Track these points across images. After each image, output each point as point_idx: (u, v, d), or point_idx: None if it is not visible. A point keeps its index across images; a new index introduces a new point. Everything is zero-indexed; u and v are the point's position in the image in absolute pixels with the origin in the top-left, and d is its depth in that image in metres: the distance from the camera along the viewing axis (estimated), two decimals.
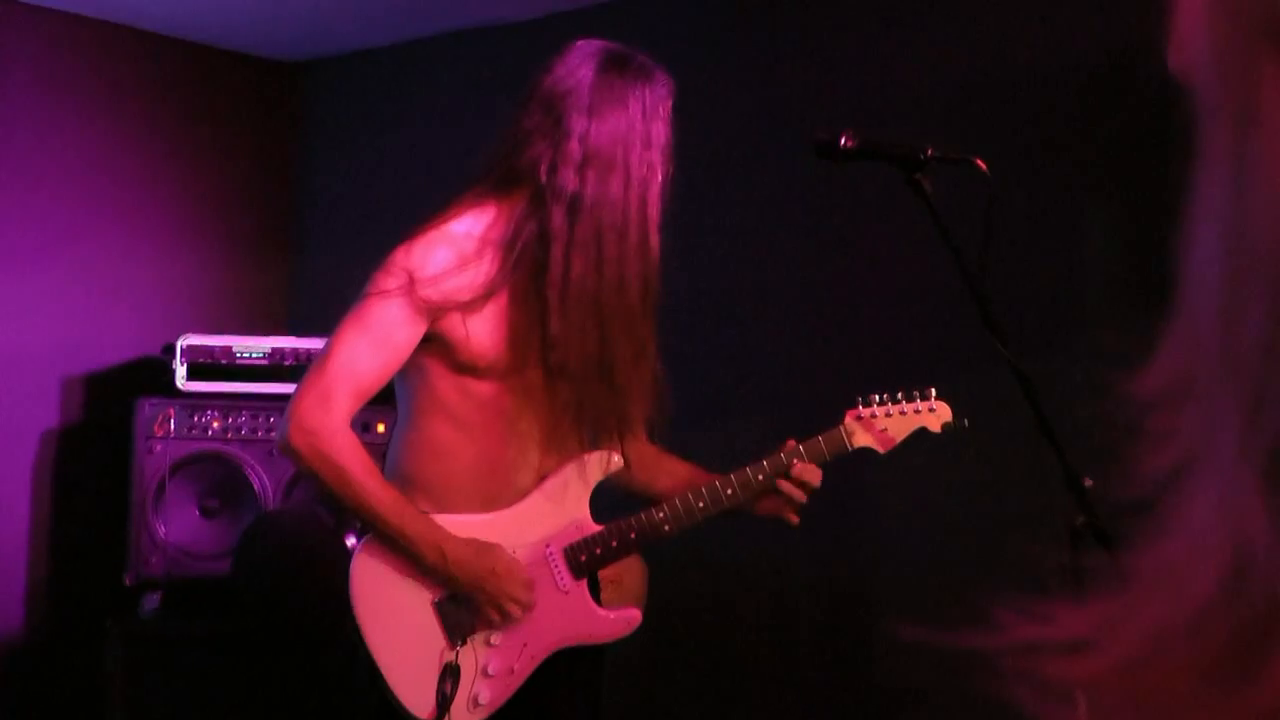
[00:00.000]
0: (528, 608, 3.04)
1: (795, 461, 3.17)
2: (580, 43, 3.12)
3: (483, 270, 2.97)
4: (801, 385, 4.71)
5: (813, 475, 3.17)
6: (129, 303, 5.71)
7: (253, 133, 6.22)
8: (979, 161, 2.77)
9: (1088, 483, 2.66)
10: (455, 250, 2.98)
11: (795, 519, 3.22)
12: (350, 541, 3.50)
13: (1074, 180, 4.26)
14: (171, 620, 4.94)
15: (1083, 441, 2.38)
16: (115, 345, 5.62)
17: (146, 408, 5.01)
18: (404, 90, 6.03)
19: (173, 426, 4.99)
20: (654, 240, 3.05)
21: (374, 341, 2.96)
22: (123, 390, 5.31)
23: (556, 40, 5.46)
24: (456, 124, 5.79)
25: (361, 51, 6.14)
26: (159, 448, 4.97)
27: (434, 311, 2.95)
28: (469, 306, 2.95)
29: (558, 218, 2.95)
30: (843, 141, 2.92)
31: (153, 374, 5.28)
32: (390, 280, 2.95)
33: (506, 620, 3.02)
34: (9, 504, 5.38)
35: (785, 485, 3.15)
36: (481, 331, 2.98)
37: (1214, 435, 0.55)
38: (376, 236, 6.14)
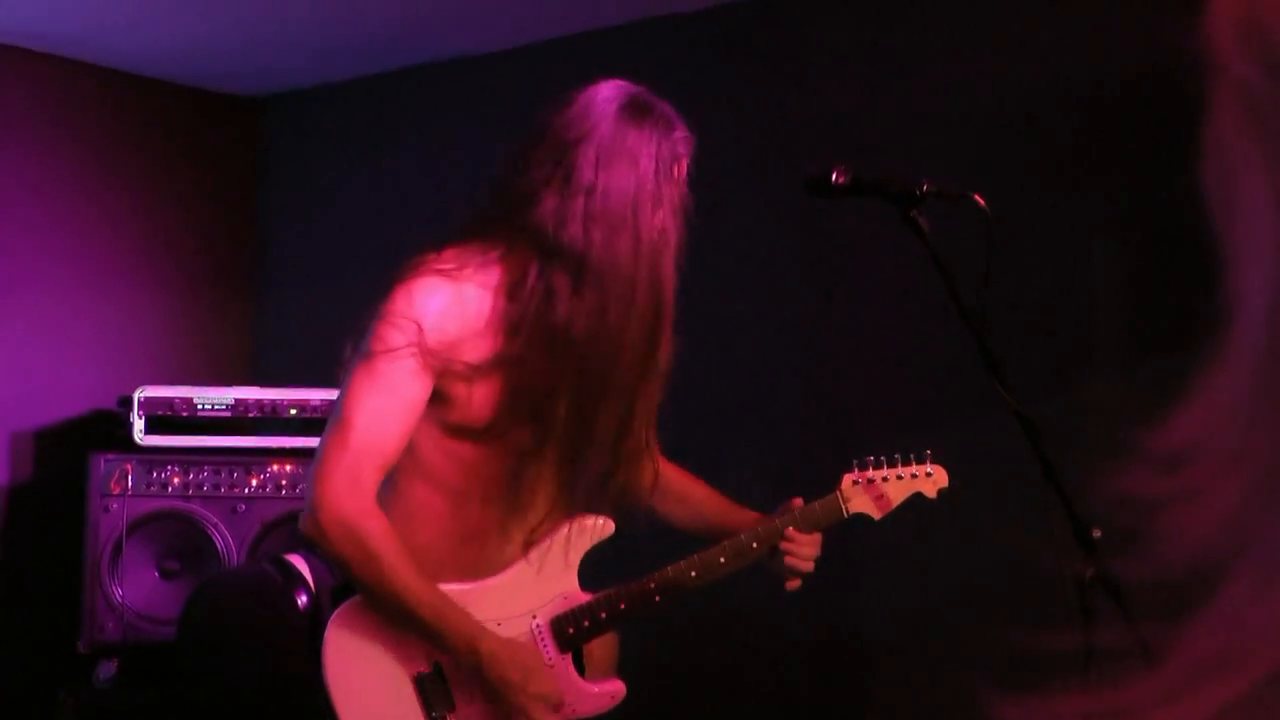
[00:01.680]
0: (557, 708, 3.01)
1: (791, 532, 3.17)
2: (602, 84, 3.03)
3: (492, 333, 2.91)
4: (797, 429, 4.71)
5: (812, 546, 3.19)
6: (82, 352, 5.70)
7: (211, 171, 6.22)
8: (977, 197, 2.78)
9: (1096, 533, 2.66)
10: (460, 303, 2.90)
11: (792, 585, 3.22)
12: (302, 600, 3.47)
13: (1076, 217, 4.27)
14: (129, 690, 4.91)
15: (1091, 489, 2.38)
16: (68, 397, 5.60)
17: (102, 463, 4.99)
18: (368, 126, 6.04)
19: (130, 483, 4.97)
20: (666, 312, 2.99)
21: (394, 404, 2.88)
22: (76, 445, 5.29)
23: (524, 74, 5.51)
24: (422, 159, 5.80)
25: (323, 86, 6.16)
26: (115, 506, 4.95)
27: (442, 370, 2.91)
28: (477, 370, 2.90)
29: (563, 278, 2.89)
30: (835, 177, 2.93)
31: (108, 428, 5.26)
32: (397, 335, 2.87)
33: None
34: None
35: (801, 565, 3.18)
36: (482, 394, 2.93)
37: (1257, 493, 0.54)
38: (343, 278, 6.17)
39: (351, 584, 2.97)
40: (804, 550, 3.18)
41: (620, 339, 2.93)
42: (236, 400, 5.14)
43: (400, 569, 2.88)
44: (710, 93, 5.03)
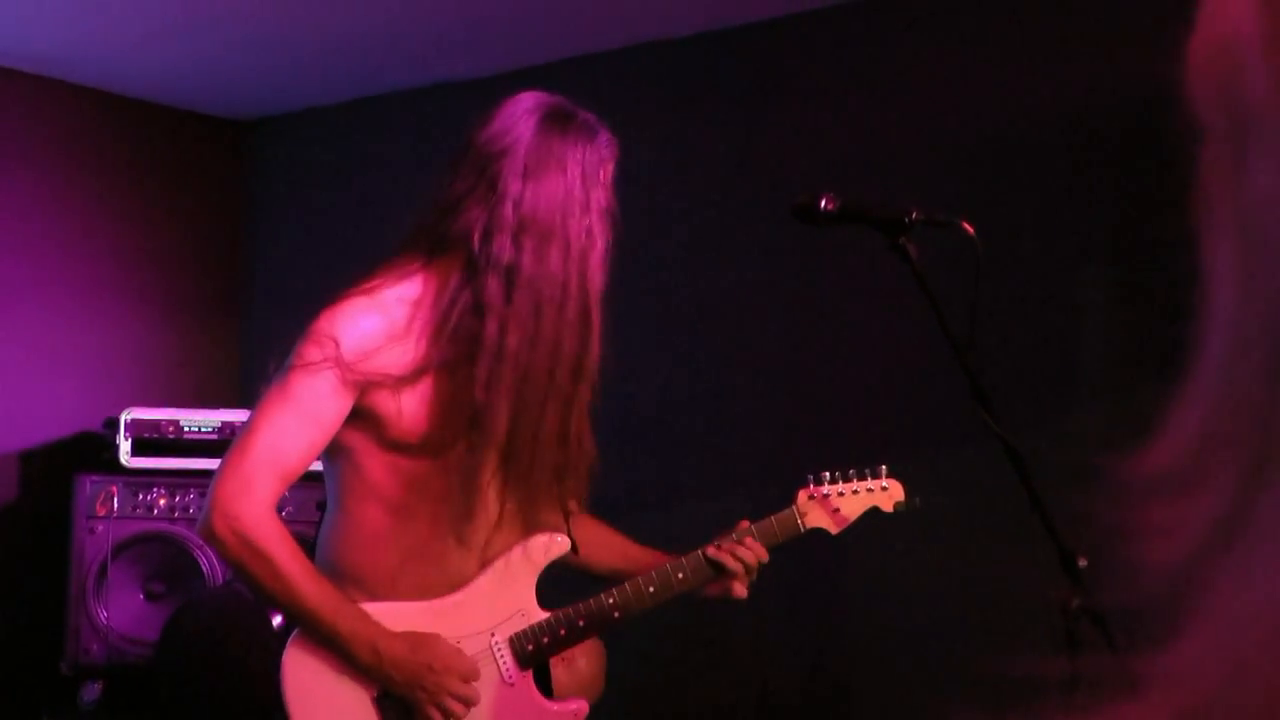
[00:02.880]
0: (471, 703, 3.00)
1: (746, 540, 3.18)
2: (520, 96, 3.08)
3: (414, 342, 2.92)
4: (780, 457, 4.72)
5: (758, 554, 3.19)
6: (69, 373, 5.69)
7: (199, 193, 6.22)
8: (965, 225, 2.79)
9: (1082, 562, 2.67)
10: (385, 318, 2.93)
11: (744, 592, 3.22)
12: (276, 620, 3.46)
13: (1064, 246, 4.29)
14: (113, 713, 4.90)
15: (1078, 519, 2.39)
16: (54, 419, 5.59)
17: (87, 485, 4.98)
18: (355, 149, 6.05)
19: (115, 505, 4.97)
20: (595, 314, 3.00)
21: (299, 417, 2.89)
22: (62, 466, 5.28)
23: (509, 99, 5.51)
24: (409, 183, 5.77)
25: (311, 110, 6.16)
26: (100, 528, 4.94)
27: (362, 384, 2.90)
28: (401, 381, 2.91)
29: (493, 288, 2.90)
30: (823, 204, 2.93)
31: (94, 449, 5.25)
32: (315, 350, 2.89)
33: (450, 719, 2.98)
34: None
35: (729, 561, 3.16)
36: (413, 406, 2.93)
37: (1240, 516, 0.54)
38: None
39: (250, 589, 2.98)
40: (750, 560, 3.17)
41: (555, 345, 2.94)
42: (223, 423, 5.15)
43: (294, 571, 2.87)
44: (699, 118, 5.04)
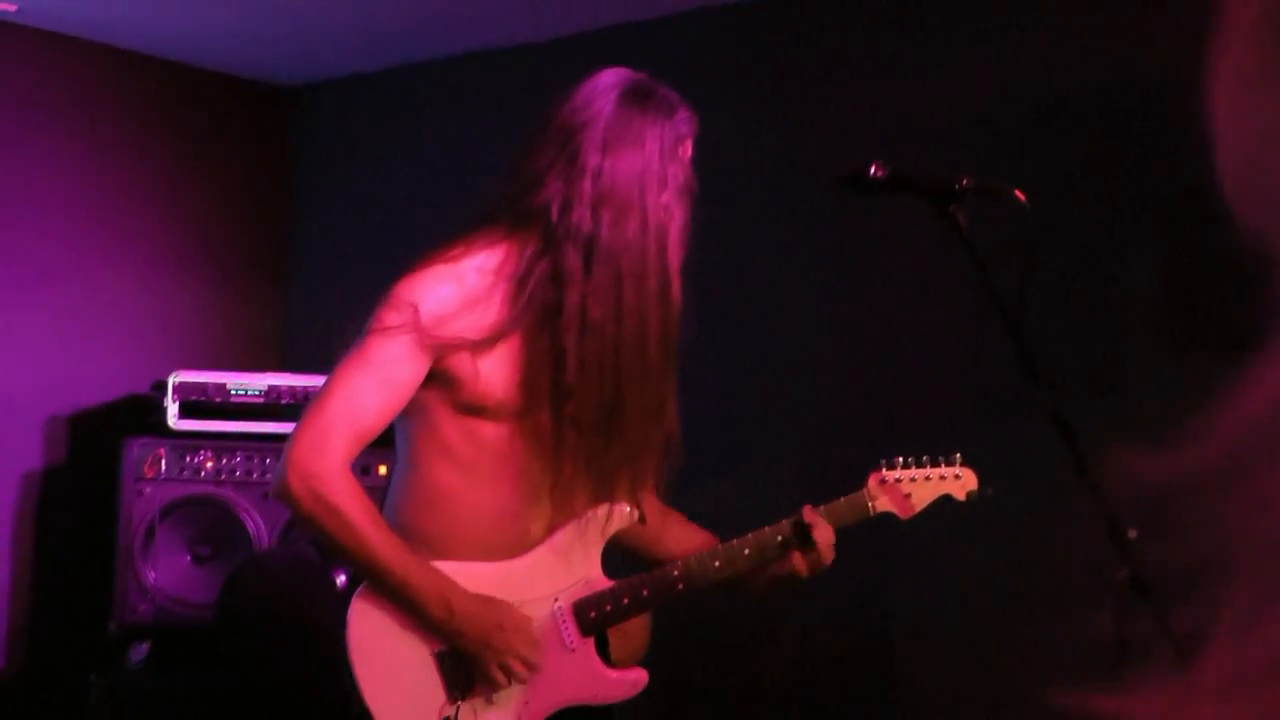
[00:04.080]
0: (534, 668, 3.03)
1: (815, 520, 3.18)
2: (603, 72, 3.10)
3: (493, 308, 2.95)
4: (830, 429, 4.71)
5: (826, 534, 3.19)
6: (117, 338, 5.73)
7: (246, 159, 6.24)
8: (1018, 193, 2.77)
9: (1132, 534, 2.66)
10: (462, 286, 2.96)
11: (805, 574, 3.22)
12: (340, 580, 3.49)
13: (1114, 217, 4.26)
14: (160, 673, 4.93)
15: (1127, 490, 2.39)
16: (103, 382, 5.62)
17: (135, 448, 5.02)
18: (402, 115, 6.05)
19: (163, 468, 5.00)
20: (675, 289, 3.03)
21: (376, 380, 2.93)
22: (110, 430, 5.31)
23: (558, 64, 5.49)
24: (456, 149, 5.82)
25: (357, 75, 6.17)
26: (148, 490, 4.98)
27: (439, 349, 2.94)
28: (479, 346, 2.94)
29: (571, 259, 2.93)
30: (872, 172, 2.92)
31: (142, 413, 5.29)
32: (394, 315, 2.92)
33: (512, 680, 3.01)
34: None
35: (819, 533, 3.16)
36: (490, 371, 2.97)
37: None
38: (376, 266, 6.15)
39: (323, 547, 3.01)
40: (826, 538, 3.18)
41: (640, 318, 2.96)
42: (269, 386, 5.17)
43: (369, 528, 2.90)
44: (743, 88, 5.03)
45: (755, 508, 3.27)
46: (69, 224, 5.66)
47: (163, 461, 5.00)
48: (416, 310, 2.91)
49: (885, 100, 4.73)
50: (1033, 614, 4.09)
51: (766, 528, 3.19)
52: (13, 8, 5.34)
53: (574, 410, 2.98)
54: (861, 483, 3.25)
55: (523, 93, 5.63)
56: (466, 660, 3.01)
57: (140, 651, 4.94)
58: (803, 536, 3.18)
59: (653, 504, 3.26)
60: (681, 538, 3.30)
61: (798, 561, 3.18)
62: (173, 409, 5.05)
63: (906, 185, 2.92)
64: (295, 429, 2.95)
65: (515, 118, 5.62)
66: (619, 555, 3.21)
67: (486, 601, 3.00)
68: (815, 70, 4.94)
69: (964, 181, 2.82)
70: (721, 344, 4.77)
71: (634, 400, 3.01)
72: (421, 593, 2.95)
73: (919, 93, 4.66)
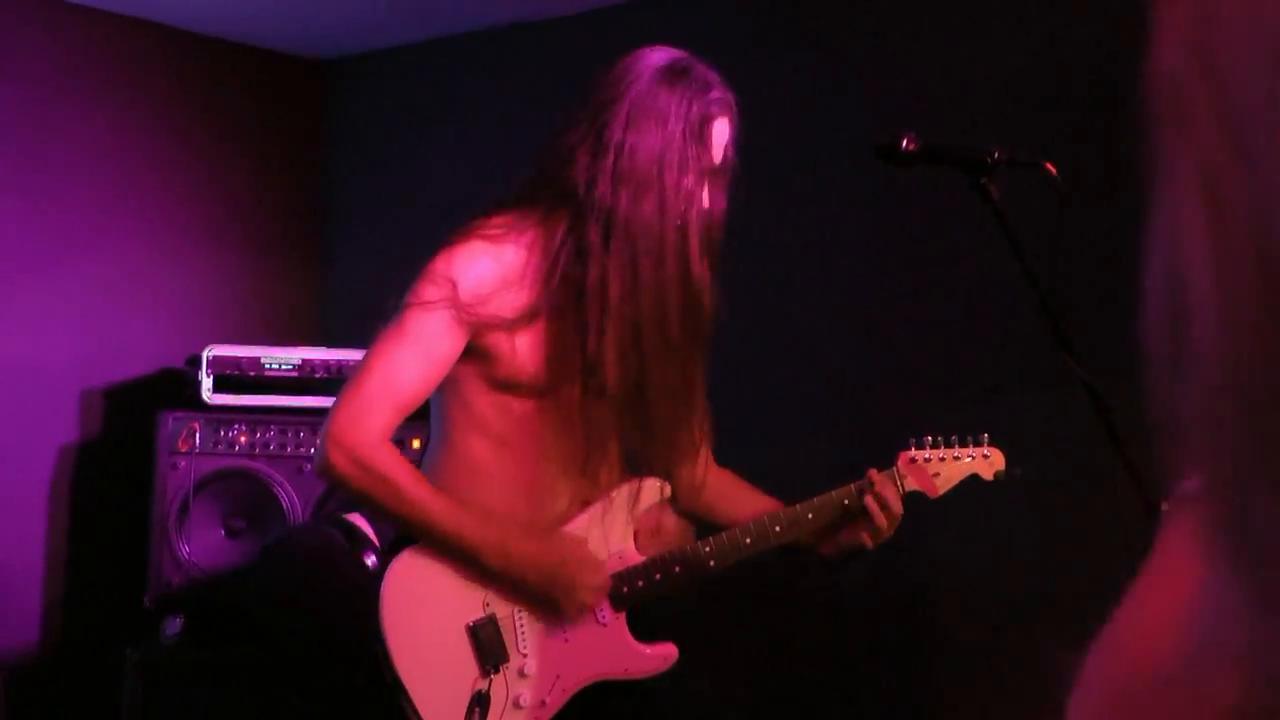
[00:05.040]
0: (604, 591, 3.03)
1: (875, 480, 3.18)
2: (645, 49, 3.08)
3: (528, 286, 2.97)
4: (862, 398, 4.71)
5: (893, 496, 3.19)
6: (151, 312, 5.75)
7: (279, 133, 6.25)
8: (1049, 166, 2.77)
9: (1165, 506, 2.65)
10: (500, 263, 2.98)
11: (871, 544, 3.21)
12: (370, 561, 3.51)
13: (1146, 187, 4.23)
14: (194, 646, 4.96)
15: (1160, 462, 2.37)
16: (137, 356, 5.65)
17: (170, 422, 5.04)
18: (435, 88, 6.05)
19: (197, 441, 5.02)
20: (697, 271, 3.02)
21: (415, 354, 2.95)
22: (145, 403, 5.34)
23: (592, 36, 5.50)
24: (490, 123, 5.81)
25: (392, 49, 6.17)
26: (182, 464, 5.00)
27: (476, 325, 2.95)
28: (513, 324, 2.95)
29: (593, 234, 2.95)
30: (904, 144, 2.92)
31: (176, 386, 5.31)
32: (433, 289, 2.95)
33: (583, 612, 3.02)
34: (25, 521, 5.41)
35: (871, 504, 3.17)
36: (525, 348, 2.98)
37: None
38: (409, 240, 6.17)
39: (373, 515, 3.03)
40: (890, 497, 3.18)
41: (659, 298, 2.96)
42: (303, 360, 5.18)
43: (416, 490, 2.93)
44: (777, 59, 5.01)
45: (786, 481, 3.27)
46: (103, 199, 5.67)
47: (197, 435, 5.02)
48: (455, 286, 2.93)
49: (920, 66, 4.71)
50: (1067, 573, 4.08)
51: (798, 505, 3.20)
52: None
53: (597, 386, 2.98)
54: (891, 462, 3.26)
55: (556, 65, 5.63)
56: (536, 605, 3.02)
57: (174, 625, 4.96)
58: (839, 514, 3.19)
59: (712, 473, 3.27)
60: (739, 503, 3.31)
61: (863, 531, 3.19)
62: (207, 383, 5.06)
63: (938, 157, 2.91)
64: (334, 404, 2.99)
65: (548, 90, 5.66)
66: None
67: (544, 539, 3.00)
68: (845, 34, 4.92)
69: (995, 154, 2.82)
70: (748, 312, 4.77)
71: (656, 378, 3.01)
72: (478, 546, 2.96)
73: (957, 58, 4.64)
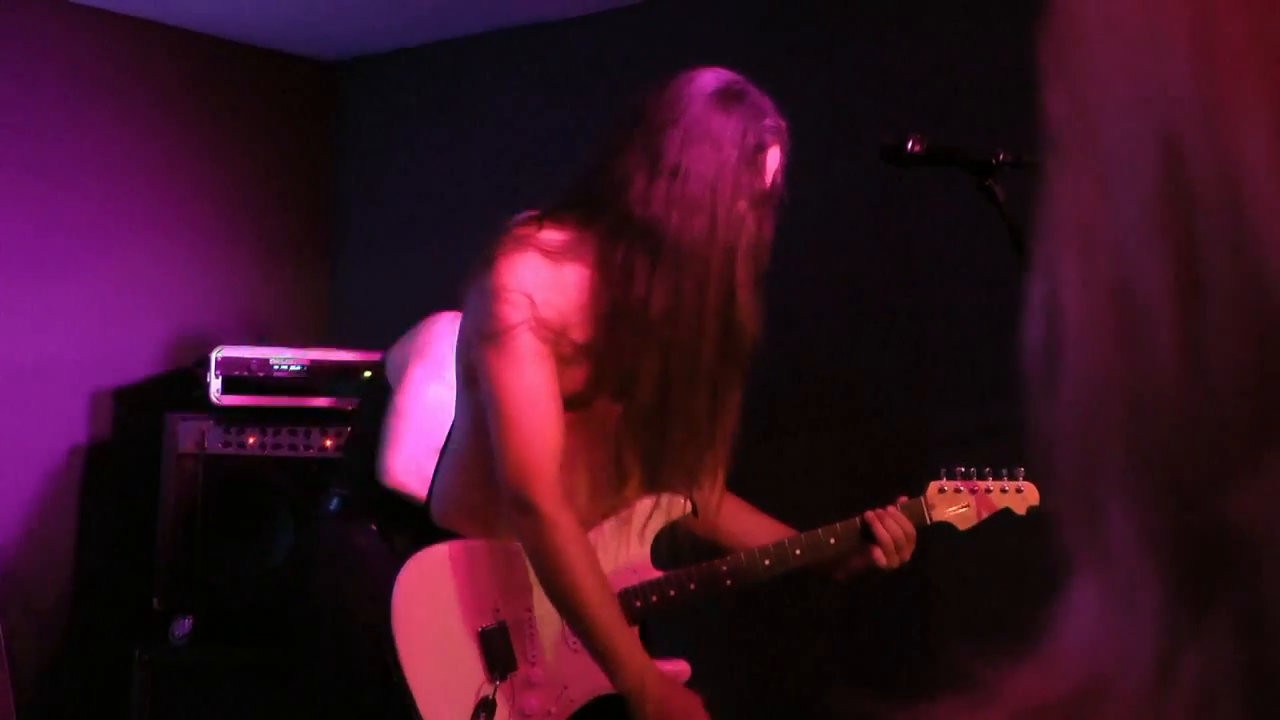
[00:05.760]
0: None
1: (888, 514, 3.16)
2: (699, 70, 3.03)
3: (586, 310, 2.94)
4: (864, 403, 4.70)
5: (906, 525, 3.17)
6: (160, 313, 5.76)
7: (289, 134, 6.26)
8: None
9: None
10: (561, 280, 2.93)
11: (886, 567, 3.19)
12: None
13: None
14: (203, 648, 4.96)
15: None
16: (146, 357, 5.66)
17: (178, 423, 5.04)
18: (447, 90, 6.06)
19: (206, 443, 5.03)
20: (741, 296, 2.98)
21: (540, 380, 2.91)
22: (154, 404, 5.35)
23: (600, 39, 5.51)
24: (500, 124, 5.82)
25: (402, 50, 6.18)
26: (191, 465, 5.01)
27: (554, 340, 2.93)
28: (569, 340, 2.93)
29: (640, 253, 2.91)
30: (910, 146, 2.92)
31: (185, 387, 5.31)
32: (513, 311, 2.89)
33: None
34: (34, 522, 5.42)
35: (885, 536, 3.15)
36: (572, 364, 2.96)
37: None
38: (420, 241, 6.19)
39: (538, 573, 2.98)
40: (890, 537, 3.15)
41: (698, 322, 2.93)
42: (312, 361, 5.19)
43: (583, 578, 2.88)
44: (781, 61, 5.01)
45: (804, 496, 3.26)
46: (114, 200, 5.69)
47: (205, 436, 5.03)
48: (532, 302, 2.89)
49: (925, 66, 4.71)
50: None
51: (820, 529, 3.18)
52: None
53: (630, 400, 2.97)
54: (920, 490, 3.24)
55: (564, 67, 5.63)
56: (508, 639, 3.01)
57: (183, 627, 4.97)
58: (859, 539, 3.17)
59: (721, 498, 3.25)
60: (749, 528, 3.28)
61: (877, 556, 3.17)
62: (215, 384, 5.07)
63: (944, 159, 2.92)
64: (502, 458, 2.92)
65: (556, 92, 5.66)
66: (689, 542, 3.21)
67: (680, 692, 2.97)
68: (849, 34, 4.91)
69: (1001, 155, 2.82)
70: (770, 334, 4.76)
71: (681, 401, 2.98)
72: (622, 661, 2.91)
73: (956, 64, 4.63)
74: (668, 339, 2.92)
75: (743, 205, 2.95)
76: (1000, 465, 3.27)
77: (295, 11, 5.74)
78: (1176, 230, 0.43)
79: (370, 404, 4.25)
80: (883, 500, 3.24)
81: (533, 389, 2.90)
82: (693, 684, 3.12)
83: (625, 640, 2.92)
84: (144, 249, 5.75)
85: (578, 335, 2.93)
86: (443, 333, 4.07)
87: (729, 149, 2.94)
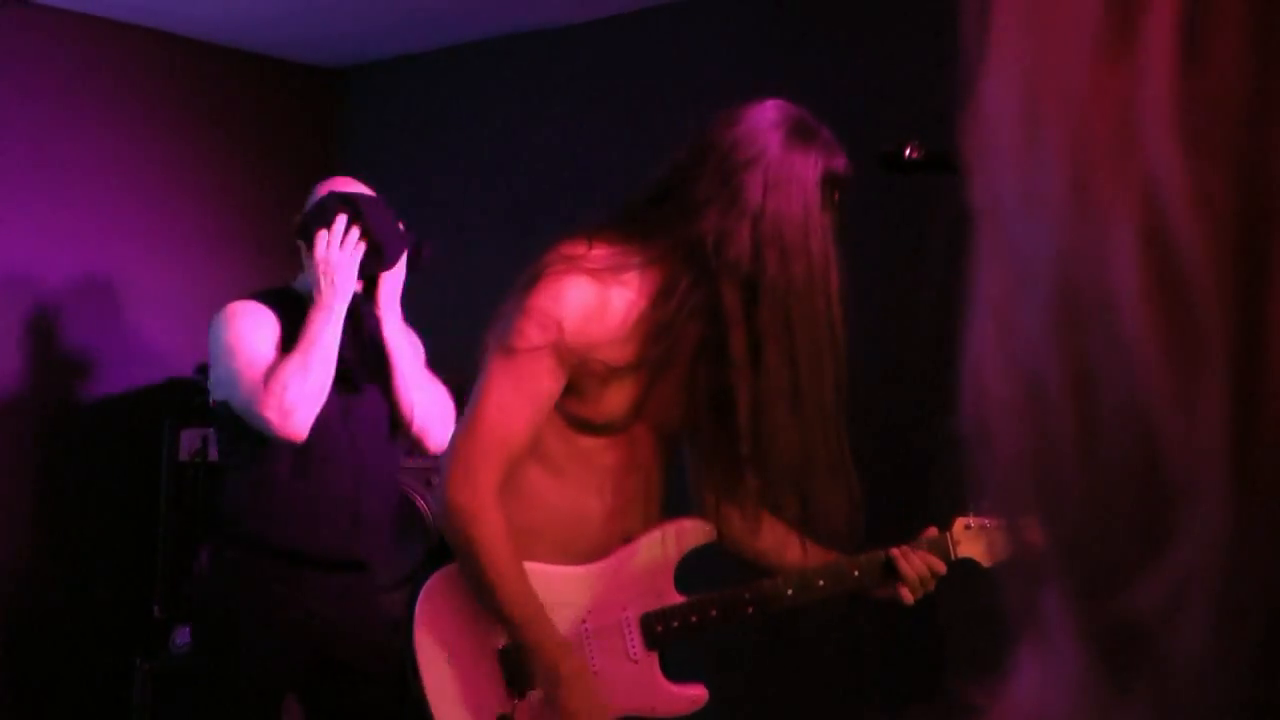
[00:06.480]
0: None
1: (916, 552, 3.14)
2: (766, 104, 2.99)
3: (637, 337, 2.91)
4: (865, 410, 4.68)
5: (933, 563, 3.15)
6: (160, 321, 5.76)
7: (292, 142, 6.26)
8: None
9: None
10: (605, 305, 2.90)
11: (909, 600, 3.17)
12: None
13: None
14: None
15: None
16: (146, 366, 5.66)
17: (178, 430, 5.04)
18: (448, 97, 6.06)
19: (206, 450, 5.02)
20: (840, 337, 2.96)
21: (524, 400, 2.90)
22: (154, 413, 5.34)
23: (603, 45, 5.50)
24: (502, 131, 5.81)
25: (405, 57, 6.18)
26: (191, 472, 5.00)
27: (578, 366, 2.91)
28: (613, 372, 2.91)
29: (730, 297, 2.87)
30: (908, 153, 2.90)
31: (185, 396, 5.31)
32: (538, 332, 2.87)
33: None
34: (35, 531, 5.43)
35: (908, 570, 3.12)
36: (613, 393, 2.94)
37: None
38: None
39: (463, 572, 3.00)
40: (915, 575, 3.13)
41: (818, 366, 2.92)
42: None
43: (500, 567, 2.90)
44: (780, 67, 5.00)
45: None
46: (115, 206, 5.69)
47: (206, 444, 5.02)
48: (561, 328, 2.86)
49: (922, 73, 4.69)
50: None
51: (846, 559, 3.15)
52: None
53: (757, 457, 2.97)
54: (946, 525, 3.21)
55: (569, 72, 5.63)
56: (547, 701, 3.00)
57: (184, 635, 4.97)
58: (883, 572, 3.14)
59: (758, 517, 3.22)
60: (784, 549, 3.25)
61: (903, 595, 3.13)
62: None
63: (943, 165, 2.90)
64: (448, 451, 2.97)
65: (563, 98, 5.66)
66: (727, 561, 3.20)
67: (591, 685, 2.96)
68: (846, 41, 4.91)
69: None
70: None
71: (818, 448, 2.97)
72: (537, 651, 2.92)
73: (954, 70, 4.62)
74: (791, 389, 2.90)
75: (830, 244, 2.94)
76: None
77: (298, 19, 5.74)
78: (1068, 337, 0.45)
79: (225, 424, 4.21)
80: (907, 520, 3.21)
81: (512, 404, 2.90)
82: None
83: (541, 628, 2.92)
84: (143, 256, 5.75)
85: (615, 356, 2.90)
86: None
87: (813, 190, 2.93)
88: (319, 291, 3.98)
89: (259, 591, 4.00)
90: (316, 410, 3.91)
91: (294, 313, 4.09)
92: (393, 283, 4.13)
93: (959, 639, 4.54)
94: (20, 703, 5.40)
